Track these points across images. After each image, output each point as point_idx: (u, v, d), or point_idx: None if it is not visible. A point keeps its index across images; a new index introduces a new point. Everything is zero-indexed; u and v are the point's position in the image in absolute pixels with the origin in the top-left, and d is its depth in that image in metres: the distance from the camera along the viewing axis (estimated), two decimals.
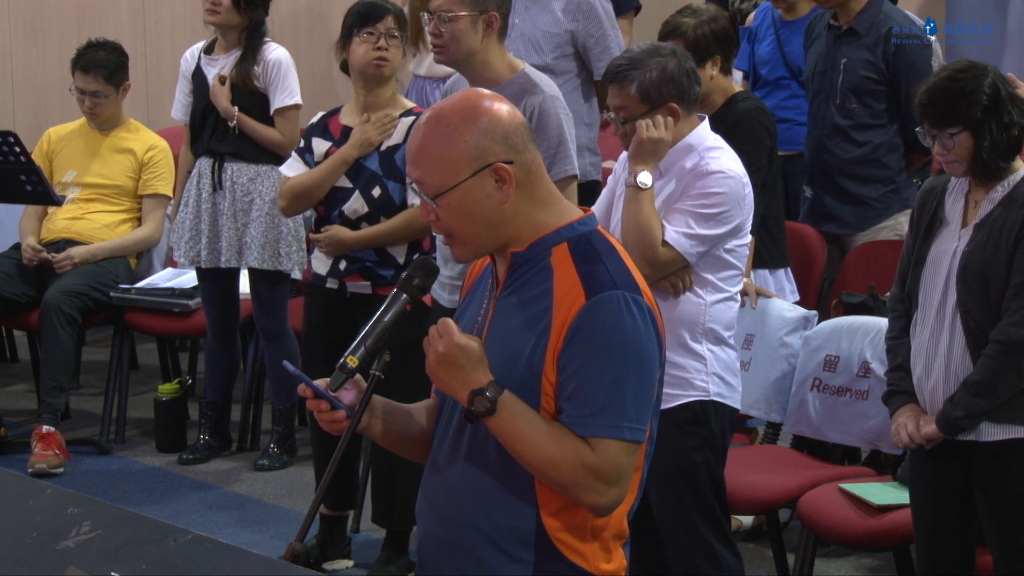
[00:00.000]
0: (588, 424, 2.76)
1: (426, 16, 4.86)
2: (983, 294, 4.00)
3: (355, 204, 5.23)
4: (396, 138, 5.22)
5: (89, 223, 6.92)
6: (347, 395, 2.89)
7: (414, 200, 5.13)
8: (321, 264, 5.34)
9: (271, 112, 6.26)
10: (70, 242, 6.85)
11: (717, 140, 4.20)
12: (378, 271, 5.23)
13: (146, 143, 7.01)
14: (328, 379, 2.88)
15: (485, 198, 2.81)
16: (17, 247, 6.94)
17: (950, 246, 4.08)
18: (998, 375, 3.98)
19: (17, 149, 6.31)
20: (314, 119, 5.45)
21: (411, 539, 5.32)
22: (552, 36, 6.15)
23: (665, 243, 4.06)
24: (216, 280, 6.41)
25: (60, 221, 6.92)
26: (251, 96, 6.25)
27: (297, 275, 6.95)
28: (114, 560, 2.57)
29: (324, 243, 5.28)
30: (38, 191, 6.46)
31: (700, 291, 4.15)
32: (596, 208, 4.24)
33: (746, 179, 4.16)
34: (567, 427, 2.77)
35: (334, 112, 5.39)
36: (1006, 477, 4.03)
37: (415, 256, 5.19)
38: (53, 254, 6.77)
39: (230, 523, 5.84)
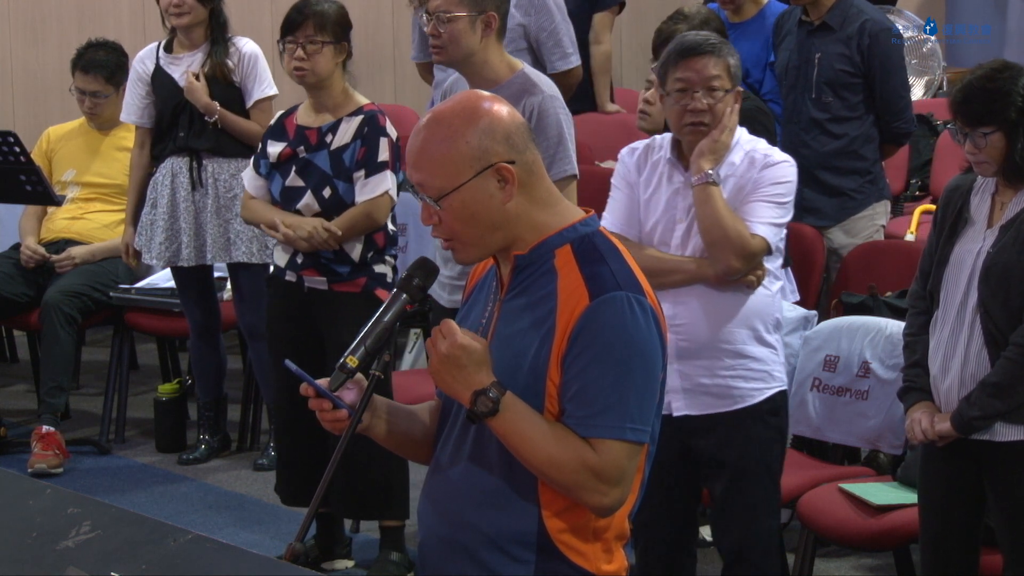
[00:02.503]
0: (590, 425, 2.76)
1: (424, 17, 4.86)
2: (1004, 296, 3.98)
3: (308, 201, 5.22)
4: (345, 138, 5.19)
5: (89, 223, 6.91)
6: (348, 395, 2.89)
7: (361, 197, 5.13)
8: (280, 256, 5.33)
9: (248, 105, 6.26)
10: (70, 242, 6.85)
11: (741, 131, 4.24)
12: (333, 267, 5.21)
13: None
14: (328, 379, 2.88)
15: (488, 199, 2.81)
16: (17, 247, 6.94)
17: (974, 246, 4.07)
18: (1016, 378, 3.96)
19: (17, 149, 6.31)
20: (272, 120, 5.45)
21: (411, 538, 5.32)
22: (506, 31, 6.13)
23: (754, 235, 4.09)
24: (195, 279, 6.40)
25: (59, 221, 6.92)
26: (228, 89, 6.24)
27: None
28: (114, 560, 2.57)
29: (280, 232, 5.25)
30: (38, 191, 6.45)
31: (765, 282, 4.19)
32: (617, 216, 4.21)
33: None
34: (570, 428, 2.78)
35: (292, 110, 5.36)
36: (1019, 478, 4.03)
37: (369, 255, 5.18)
38: (53, 255, 6.78)
39: (230, 523, 5.84)
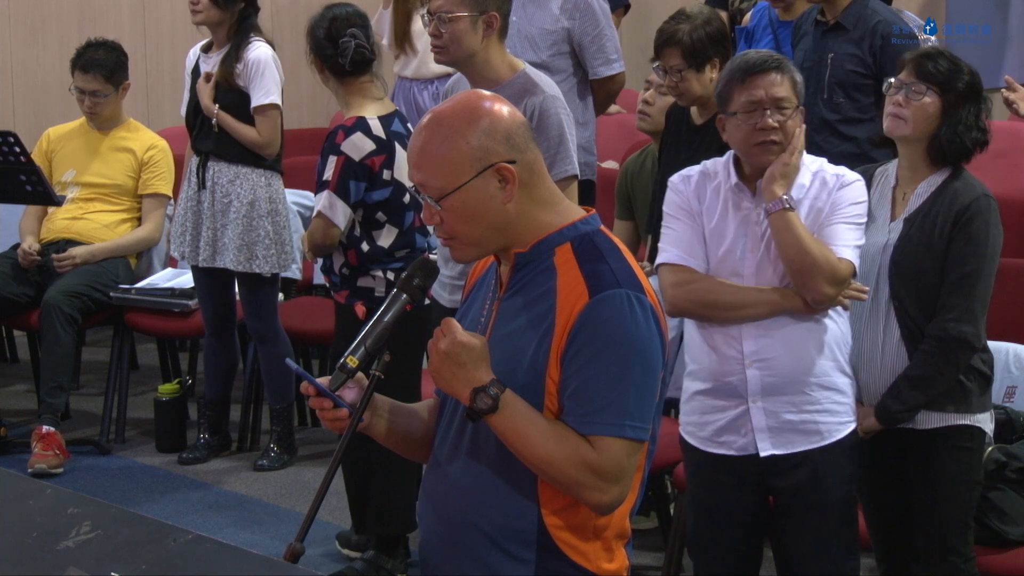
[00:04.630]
0: (590, 422, 2.77)
1: (426, 17, 4.86)
2: (915, 287, 4.05)
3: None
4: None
5: (89, 223, 6.91)
6: (349, 394, 2.89)
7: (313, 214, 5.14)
8: None
9: (251, 110, 6.24)
10: (70, 242, 6.85)
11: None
12: (331, 276, 5.27)
13: (146, 142, 7.01)
14: (329, 377, 2.88)
15: (489, 199, 2.81)
16: (17, 247, 6.94)
17: (880, 239, 4.11)
18: (936, 370, 4.03)
19: (17, 149, 6.31)
20: None
21: (413, 538, 5.31)
22: (549, 34, 6.15)
23: (841, 259, 3.90)
24: (210, 277, 6.40)
25: (60, 221, 6.92)
26: (235, 93, 6.23)
27: (297, 276, 6.96)
28: (114, 560, 2.57)
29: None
30: (38, 191, 6.46)
31: (837, 310, 4.02)
32: (681, 247, 4.00)
33: None
34: (569, 425, 2.78)
35: None
36: (939, 462, 4.08)
37: (344, 270, 5.18)
38: (54, 254, 6.78)
39: (230, 523, 5.84)
